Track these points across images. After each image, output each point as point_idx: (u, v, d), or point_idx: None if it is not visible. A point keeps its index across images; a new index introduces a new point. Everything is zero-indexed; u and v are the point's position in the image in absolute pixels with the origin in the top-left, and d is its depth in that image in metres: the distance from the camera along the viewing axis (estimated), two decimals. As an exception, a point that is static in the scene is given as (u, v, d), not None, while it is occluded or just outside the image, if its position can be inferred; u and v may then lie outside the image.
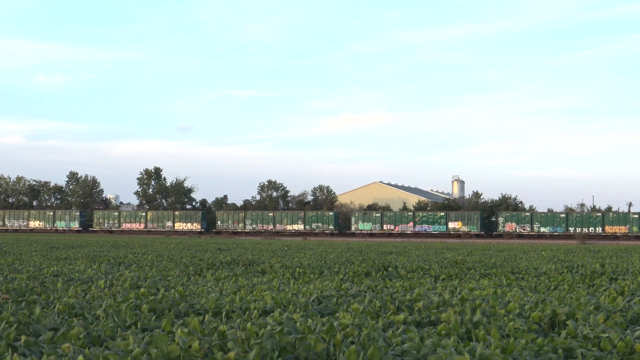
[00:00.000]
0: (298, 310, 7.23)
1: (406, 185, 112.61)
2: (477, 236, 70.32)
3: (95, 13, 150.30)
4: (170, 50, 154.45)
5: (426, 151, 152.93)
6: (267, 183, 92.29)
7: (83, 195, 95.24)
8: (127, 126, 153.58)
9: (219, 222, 79.55)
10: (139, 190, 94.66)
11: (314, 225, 76.15)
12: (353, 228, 75.57)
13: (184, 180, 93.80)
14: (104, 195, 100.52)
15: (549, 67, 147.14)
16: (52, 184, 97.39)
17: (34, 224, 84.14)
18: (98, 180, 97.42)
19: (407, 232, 73.14)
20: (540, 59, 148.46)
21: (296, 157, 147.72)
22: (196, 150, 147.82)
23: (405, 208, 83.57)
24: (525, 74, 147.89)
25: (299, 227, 76.45)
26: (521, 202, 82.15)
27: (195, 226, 79.40)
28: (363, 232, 74.67)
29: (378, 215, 75.97)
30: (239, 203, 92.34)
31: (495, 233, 71.64)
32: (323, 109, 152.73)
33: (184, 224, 79.85)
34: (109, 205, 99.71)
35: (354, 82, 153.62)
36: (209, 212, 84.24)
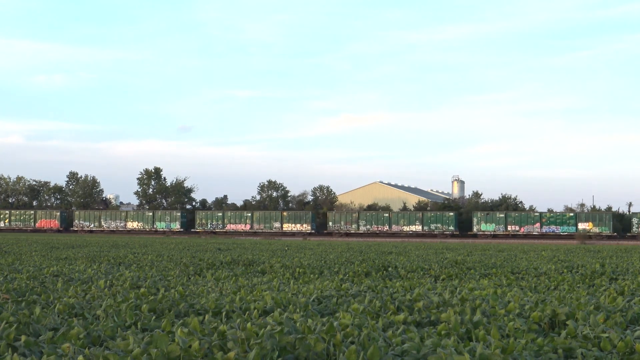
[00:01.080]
0: (298, 310, 7.23)
1: (406, 185, 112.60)
2: (609, 237, 66.68)
3: (95, 13, 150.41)
4: (171, 50, 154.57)
5: (426, 151, 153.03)
6: (267, 183, 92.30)
7: (83, 195, 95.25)
8: (127, 126, 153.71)
9: (330, 223, 76.72)
10: (139, 190, 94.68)
11: (432, 226, 73.04)
12: (475, 229, 72.07)
13: (184, 180, 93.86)
14: (104, 195, 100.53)
15: (549, 67, 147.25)
16: (52, 184, 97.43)
17: (132, 224, 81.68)
18: (98, 180, 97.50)
19: (533, 233, 69.72)
20: (540, 59, 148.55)
21: (296, 157, 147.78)
22: (196, 150, 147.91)
23: (531, 209, 78.29)
24: (525, 74, 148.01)
25: (417, 227, 73.32)
26: (521, 202, 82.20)
27: (305, 227, 76.66)
28: (486, 233, 71.17)
29: (502, 215, 72.10)
30: (239, 203, 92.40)
31: (629, 234, 68.10)
32: (323, 109, 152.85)
33: (293, 224, 77.24)
34: (109, 205, 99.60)
35: (354, 82, 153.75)
36: (318, 214, 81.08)
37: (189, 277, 12.94)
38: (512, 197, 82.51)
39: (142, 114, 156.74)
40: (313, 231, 76.53)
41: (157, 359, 4.46)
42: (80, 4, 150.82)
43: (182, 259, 18.51)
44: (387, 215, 76.46)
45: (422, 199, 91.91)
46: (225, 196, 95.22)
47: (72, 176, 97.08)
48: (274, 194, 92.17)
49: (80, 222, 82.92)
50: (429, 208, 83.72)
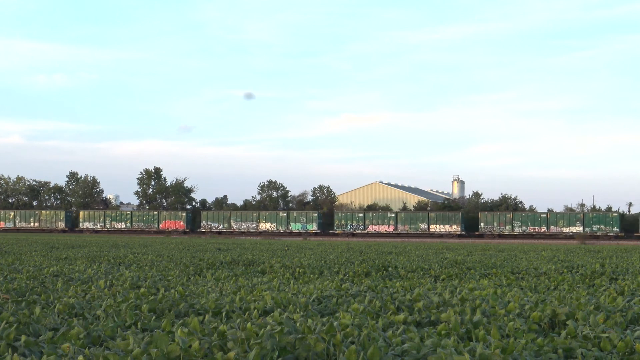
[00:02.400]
0: (298, 310, 7.23)
1: (406, 185, 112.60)
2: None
3: (95, 13, 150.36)
4: (171, 50, 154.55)
5: (426, 151, 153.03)
6: (267, 183, 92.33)
7: (83, 195, 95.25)
8: (127, 126, 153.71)
9: (482, 225, 73.06)
10: (139, 190, 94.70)
11: (595, 227, 69.09)
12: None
13: (184, 180, 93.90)
14: (104, 195, 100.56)
15: (549, 67, 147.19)
16: (52, 184, 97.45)
17: (265, 225, 78.52)
18: (98, 180, 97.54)
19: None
20: (540, 59, 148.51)
21: (296, 157, 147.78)
22: (196, 150, 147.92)
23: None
24: (525, 74, 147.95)
25: (577, 229, 69.03)
26: (521, 202, 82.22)
27: (454, 228, 73.05)
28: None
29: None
30: (239, 203, 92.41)
31: None
32: (323, 109, 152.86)
33: (441, 225, 73.47)
34: (109, 205, 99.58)
35: (355, 82, 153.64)
36: (467, 215, 76.25)
37: (189, 277, 12.94)
38: (512, 197, 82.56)
39: (142, 114, 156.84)
40: (462, 232, 73.11)
41: (157, 359, 4.46)
42: (80, 4, 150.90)
43: (182, 259, 18.51)
44: (544, 216, 73.02)
45: (422, 199, 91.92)
46: (225, 196, 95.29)
47: (72, 176, 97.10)
48: (274, 194, 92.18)
49: (209, 223, 79.93)
50: (429, 208, 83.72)
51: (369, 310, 7.17)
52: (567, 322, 6.22)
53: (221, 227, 79.58)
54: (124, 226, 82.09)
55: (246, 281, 11.43)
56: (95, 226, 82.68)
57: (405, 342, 5.23)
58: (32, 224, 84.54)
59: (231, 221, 79.72)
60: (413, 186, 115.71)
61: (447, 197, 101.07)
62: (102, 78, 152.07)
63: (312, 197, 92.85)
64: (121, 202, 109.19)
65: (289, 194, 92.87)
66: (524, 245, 40.20)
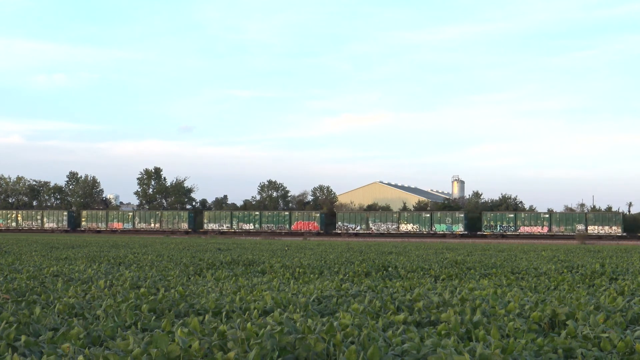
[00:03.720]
0: (298, 310, 7.23)
1: (406, 185, 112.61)
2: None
3: (95, 13, 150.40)
4: (171, 50, 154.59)
5: (426, 151, 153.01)
6: (267, 183, 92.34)
7: (83, 195, 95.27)
8: (127, 126, 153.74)
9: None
10: (139, 190, 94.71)
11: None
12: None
13: (184, 180, 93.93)
14: (104, 195, 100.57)
15: (549, 67, 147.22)
16: (52, 184, 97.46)
17: (407, 227, 74.18)
18: (98, 180, 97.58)
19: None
20: (540, 59, 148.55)
21: (296, 157, 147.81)
22: (196, 150, 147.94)
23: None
24: (525, 74, 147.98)
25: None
26: (521, 202, 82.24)
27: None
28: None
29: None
30: (239, 203, 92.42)
31: None
32: (323, 109, 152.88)
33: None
34: (109, 205, 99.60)
35: (355, 82, 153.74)
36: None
37: (189, 277, 12.94)
38: (512, 197, 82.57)
39: (143, 114, 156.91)
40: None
41: (157, 359, 4.46)
42: (80, 4, 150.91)
43: (182, 259, 18.51)
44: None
45: (422, 199, 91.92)
46: (225, 196, 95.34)
47: (72, 176, 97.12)
48: (274, 194, 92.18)
49: (345, 224, 76.21)
50: (429, 207, 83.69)
51: (369, 310, 7.17)
52: (567, 322, 6.23)
53: (359, 228, 76.56)
54: (252, 227, 78.11)
55: (246, 281, 11.43)
56: (221, 227, 78.40)
57: (405, 342, 5.23)
58: (152, 225, 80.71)
59: (369, 222, 76.19)
60: (413, 186, 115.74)
61: (447, 197, 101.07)
62: (102, 78, 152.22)
63: (312, 197, 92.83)
64: (121, 202, 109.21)
65: (289, 194, 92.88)
66: (523, 245, 40.19)
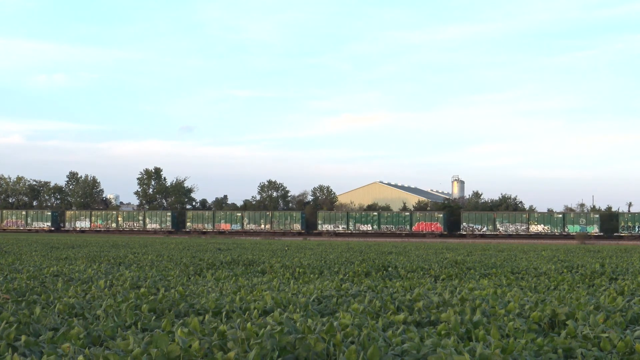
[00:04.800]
0: (298, 310, 7.23)
1: (406, 185, 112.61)
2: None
3: (95, 13, 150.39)
4: (171, 50, 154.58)
5: (426, 151, 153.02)
6: (267, 183, 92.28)
7: (83, 195, 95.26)
8: (127, 126, 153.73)
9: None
10: (139, 190, 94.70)
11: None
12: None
13: (184, 180, 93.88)
14: (104, 195, 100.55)
15: (549, 67, 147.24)
16: (52, 184, 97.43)
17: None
18: (98, 180, 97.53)
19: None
20: (540, 59, 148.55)
21: (296, 157, 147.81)
22: (196, 150, 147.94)
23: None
24: (525, 74, 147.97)
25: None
26: (521, 202, 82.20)
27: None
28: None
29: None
30: (239, 203, 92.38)
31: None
32: (323, 109, 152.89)
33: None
34: (109, 205, 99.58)
35: (355, 82, 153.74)
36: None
37: (189, 277, 12.94)
38: (512, 197, 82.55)
39: (143, 114, 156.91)
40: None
41: (157, 359, 4.46)
42: (80, 4, 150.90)
43: (182, 259, 18.52)
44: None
45: (422, 199, 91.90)
46: (225, 196, 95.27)
47: (72, 176, 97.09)
48: (274, 194, 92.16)
49: (470, 225, 72.93)
50: (428, 207, 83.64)
51: (369, 310, 7.18)
52: (567, 322, 6.23)
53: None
54: (370, 228, 73.99)
55: (246, 281, 11.43)
56: (337, 228, 74.64)
57: (405, 342, 5.23)
58: (262, 226, 76.89)
59: (496, 223, 73.25)
60: (413, 186, 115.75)
61: (447, 197, 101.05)
62: (103, 78, 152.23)
63: (312, 197, 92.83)
64: (121, 202, 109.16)
65: (289, 194, 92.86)
66: (523, 245, 40.19)
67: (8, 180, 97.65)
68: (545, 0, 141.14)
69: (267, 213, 78.27)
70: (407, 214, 74.56)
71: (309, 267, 15.57)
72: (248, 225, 77.57)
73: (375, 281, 12.01)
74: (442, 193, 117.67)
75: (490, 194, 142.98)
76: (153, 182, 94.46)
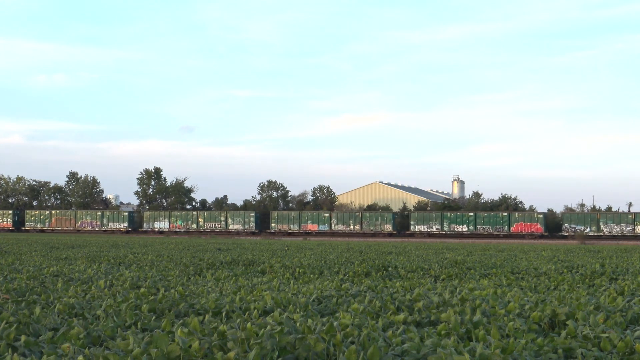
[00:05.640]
0: (298, 310, 7.23)
1: (406, 185, 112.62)
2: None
3: (95, 13, 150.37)
4: (171, 50, 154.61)
5: (426, 151, 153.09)
6: (267, 183, 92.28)
7: (83, 195, 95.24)
8: (127, 126, 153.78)
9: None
10: (139, 190, 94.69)
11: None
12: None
13: (184, 180, 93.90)
14: (104, 195, 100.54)
15: (549, 67, 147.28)
16: (52, 184, 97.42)
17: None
18: (98, 180, 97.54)
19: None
20: (540, 59, 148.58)
21: (296, 157, 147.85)
22: (196, 150, 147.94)
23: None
24: (525, 74, 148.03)
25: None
26: (521, 202, 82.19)
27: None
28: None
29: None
30: (239, 203, 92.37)
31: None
32: (323, 109, 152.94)
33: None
34: (109, 205, 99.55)
35: (355, 82, 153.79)
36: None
37: (189, 277, 12.94)
38: (512, 197, 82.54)
39: (143, 114, 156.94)
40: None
41: (157, 359, 4.45)
42: (80, 4, 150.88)
43: (182, 259, 18.51)
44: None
45: (422, 199, 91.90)
46: (225, 196, 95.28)
47: (72, 176, 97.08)
48: (274, 194, 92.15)
49: (572, 225, 70.20)
50: (429, 208, 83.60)
51: (369, 310, 7.17)
52: (567, 322, 6.22)
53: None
54: (466, 229, 72.03)
55: (246, 281, 11.43)
56: (430, 228, 72.39)
57: (405, 342, 5.23)
58: (351, 227, 74.91)
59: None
60: (413, 186, 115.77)
61: (447, 197, 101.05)
62: (102, 78, 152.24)
63: (312, 197, 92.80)
64: (121, 202, 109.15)
65: (289, 194, 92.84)
66: (523, 245, 40.19)
67: (8, 180, 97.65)
68: (545, 0, 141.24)
69: (357, 213, 76.12)
70: (505, 214, 71.93)
71: (309, 267, 15.56)
72: (336, 226, 75.38)
73: (375, 281, 12.01)
74: (442, 193, 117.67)
75: (490, 194, 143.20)
76: (153, 182, 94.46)
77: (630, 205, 77.83)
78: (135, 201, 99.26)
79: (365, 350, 4.67)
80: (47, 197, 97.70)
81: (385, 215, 75.36)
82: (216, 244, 33.79)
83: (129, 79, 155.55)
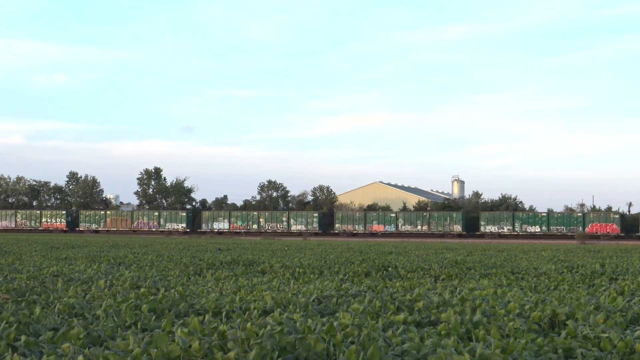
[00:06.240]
0: (298, 310, 7.23)
1: (406, 185, 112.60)
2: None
3: (95, 13, 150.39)
4: (171, 50, 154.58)
5: (426, 151, 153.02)
6: (267, 183, 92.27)
7: (83, 195, 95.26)
8: (127, 126, 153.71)
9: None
10: (139, 190, 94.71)
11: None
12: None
13: (184, 180, 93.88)
14: (104, 195, 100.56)
15: (549, 67, 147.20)
16: (52, 184, 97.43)
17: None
18: (98, 180, 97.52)
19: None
20: (540, 59, 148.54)
21: (296, 157, 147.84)
22: (196, 150, 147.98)
23: None
24: (525, 74, 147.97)
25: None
26: (521, 202, 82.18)
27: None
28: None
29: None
30: (239, 203, 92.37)
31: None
32: (323, 109, 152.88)
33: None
34: (109, 205, 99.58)
35: (355, 82, 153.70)
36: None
37: (189, 277, 12.94)
38: (512, 197, 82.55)
39: (143, 114, 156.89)
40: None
41: (157, 359, 4.46)
42: (80, 4, 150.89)
43: (182, 259, 18.52)
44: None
45: (422, 199, 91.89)
46: (225, 196, 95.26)
47: (72, 176, 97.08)
48: (274, 194, 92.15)
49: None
50: (429, 208, 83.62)
51: (369, 310, 7.17)
52: (567, 322, 6.23)
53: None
54: (538, 230, 70.13)
55: (246, 281, 11.43)
56: (502, 230, 70.68)
57: (405, 342, 5.23)
58: (418, 227, 72.89)
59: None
60: (413, 186, 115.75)
61: (447, 197, 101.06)
62: (102, 78, 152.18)
63: (312, 197, 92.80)
64: (121, 202, 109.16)
65: (289, 194, 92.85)
66: (523, 245, 40.21)
67: (8, 180, 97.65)
68: (545, 0, 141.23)
69: (424, 214, 74.01)
70: (580, 214, 69.90)
71: (309, 267, 15.57)
72: (403, 227, 73.21)
73: (375, 281, 12.01)
74: (442, 193, 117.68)
75: (490, 194, 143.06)
76: (153, 182, 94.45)
77: (630, 205, 77.59)
78: (135, 201, 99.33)
79: (365, 350, 4.68)
80: (47, 197, 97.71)
81: (455, 215, 72.93)
82: (216, 244, 33.79)
83: (129, 79, 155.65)
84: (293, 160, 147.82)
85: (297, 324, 5.49)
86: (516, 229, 70.34)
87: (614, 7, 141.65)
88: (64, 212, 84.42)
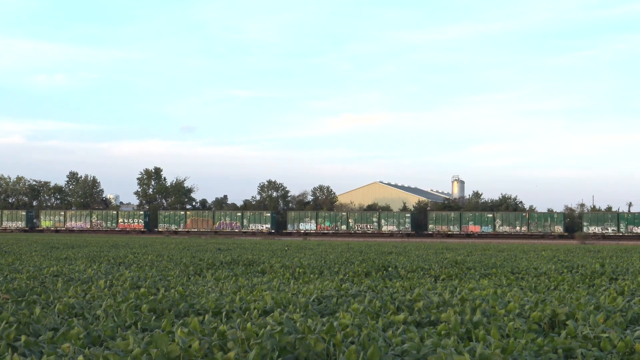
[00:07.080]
0: (298, 310, 7.23)
1: (406, 185, 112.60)
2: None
3: (95, 13, 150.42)
4: (172, 50, 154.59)
5: (426, 151, 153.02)
6: (267, 183, 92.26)
7: (83, 195, 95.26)
8: (127, 126, 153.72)
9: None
10: (139, 190, 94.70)
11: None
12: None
13: (184, 180, 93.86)
14: (104, 195, 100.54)
15: (549, 67, 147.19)
16: (52, 184, 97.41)
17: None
18: (98, 180, 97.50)
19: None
20: (540, 59, 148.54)
21: (296, 157, 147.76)
22: (196, 150, 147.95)
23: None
24: (525, 74, 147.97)
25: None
26: (521, 202, 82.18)
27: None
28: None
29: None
30: (239, 203, 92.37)
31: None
32: (324, 109, 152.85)
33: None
34: (109, 205, 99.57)
35: (355, 82, 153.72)
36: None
37: (189, 277, 12.94)
38: (512, 197, 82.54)
39: (143, 114, 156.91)
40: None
41: (157, 359, 4.46)
42: (80, 4, 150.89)
43: (182, 259, 18.51)
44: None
45: (422, 199, 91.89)
46: (225, 196, 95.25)
47: (72, 176, 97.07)
48: (274, 194, 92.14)
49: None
50: (429, 208, 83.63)
51: (369, 310, 7.17)
52: (567, 322, 6.22)
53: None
54: (610, 231, 67.97)
55: (246, 281, 11.43)
56: (605, 230, 68.04)
57: (405, 342, 5.23)
58: (517, 228, 70.44)
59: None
60: (413, 186, 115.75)
61: (447, 197, 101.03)
62: (103, 78, 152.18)
63: (312, 197, 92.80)
64: (121, 202, 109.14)
65: (289, 194, 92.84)
66: (523, 245, 40.20)
67: (8, 180, 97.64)
68: (545, 0, 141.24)
69: (523, 214, 71.36)
70: None
71: (309, 267, 15.57)
72: (501, 227, 70.50)
73: (375, 281, 12.01)
74: (442, 193, 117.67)
75: (490, 194, 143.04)
76: (153, 182, 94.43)
77: (630, 205, 77.54)
78: (135, 201, 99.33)
79: (365, 350, 4.68)
80: (47, 197, 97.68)
81: (555, 215, 70.24)
82: (216, 244, 33.79)
83: (129, 79, 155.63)
84: (293, 160, 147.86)
85: (297, 324, 5.49)
86: (621, 229, 67.73)
87: (614, 7, 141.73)
88: (141, 212, 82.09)
